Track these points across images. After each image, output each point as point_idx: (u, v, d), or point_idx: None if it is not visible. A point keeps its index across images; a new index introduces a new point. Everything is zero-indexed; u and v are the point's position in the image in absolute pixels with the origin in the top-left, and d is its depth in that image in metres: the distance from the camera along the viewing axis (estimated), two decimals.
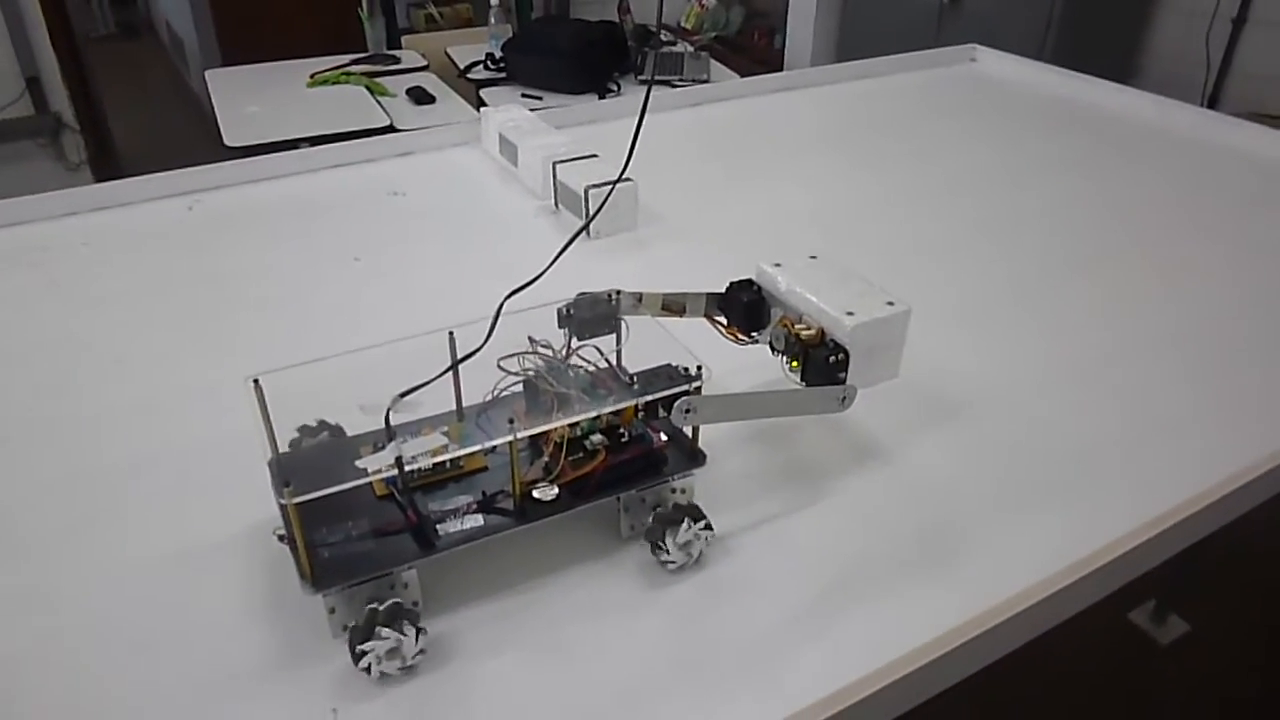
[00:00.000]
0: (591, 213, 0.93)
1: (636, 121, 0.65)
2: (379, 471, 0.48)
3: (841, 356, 0.60)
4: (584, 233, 0.94)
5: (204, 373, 0.75)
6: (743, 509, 0.60)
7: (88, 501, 0.61)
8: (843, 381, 0.60)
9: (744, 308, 0.65)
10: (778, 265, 0.65)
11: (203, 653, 0.51)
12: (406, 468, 0.50)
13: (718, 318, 0.67)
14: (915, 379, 0.74)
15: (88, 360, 0.77)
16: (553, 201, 1.01)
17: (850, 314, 0.59)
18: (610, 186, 0.77)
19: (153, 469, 0.64)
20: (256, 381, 0.51)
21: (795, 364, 0.62)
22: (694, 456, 0.57)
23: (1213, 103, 2.48)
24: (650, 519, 0.55)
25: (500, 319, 0.55)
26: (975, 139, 1.26)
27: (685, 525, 0.54)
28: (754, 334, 0.66)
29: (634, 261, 0.93)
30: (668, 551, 0.54)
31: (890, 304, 0.61)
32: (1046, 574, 0.55)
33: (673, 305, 0.63)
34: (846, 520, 0.60)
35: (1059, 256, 0.95)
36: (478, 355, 0.54)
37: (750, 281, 0.66)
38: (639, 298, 0.61)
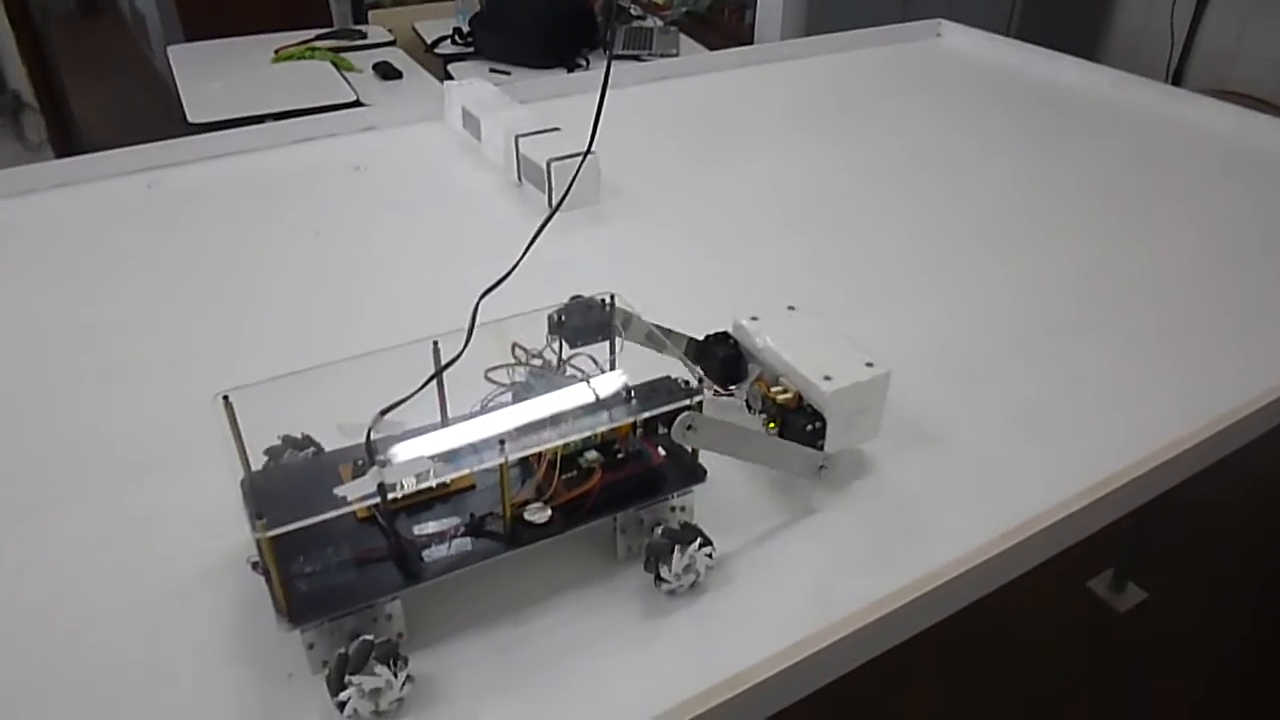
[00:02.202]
0: (554, 188, 0.93)
1: (599, 95, 0.64)
2: (360, 500, 0.46)
3: (819, 424, 0.57)
4: (546, 205, 0.95)
5: (164, 348, 0.74)
6: (745, 526, 0.57)
7: (38, 477, 0.61)
8: (821, 447, 0.58)
9: (720, 362, 0.63)
10: (755, 319, 0.63)
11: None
12: (389, 495, 0.47)
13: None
14: (882, 343, 0.76)
15: (45, 337, 0.76)
16: (515, 175, 1.01)
17: (828, 378, 0.57)
18: (578, 164, 0.76)
19: (111, 444, 0.64)
20: (226, 398, 0.47)
21: (773, 425, 0.60)
22: (694, 473, 0.54)
23: (1177, 78, 2.51)
24: (648, 541, 0.52)
25: (473, 313, 0.52)
26: (939, 113, 1.26)
27: (685, 548, 0.51)
28: (731, 387, 0.64)
29: (595, 236, 0.93)
30: (667, 580, 0.51)
31: (869, 365, 0.59)
32: (999, 532, 0.57)
33: (655, 338, 0.60)
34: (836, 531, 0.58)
35: (1019, 227, 0.96)
36: (459, 361, 0.51)
37: (726, 334, 0.64)
38: (628, 318, 0.58)
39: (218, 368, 0.71)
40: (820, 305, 0.81)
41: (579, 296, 0.57)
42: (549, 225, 0.58)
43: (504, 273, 0.54)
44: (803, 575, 0.55)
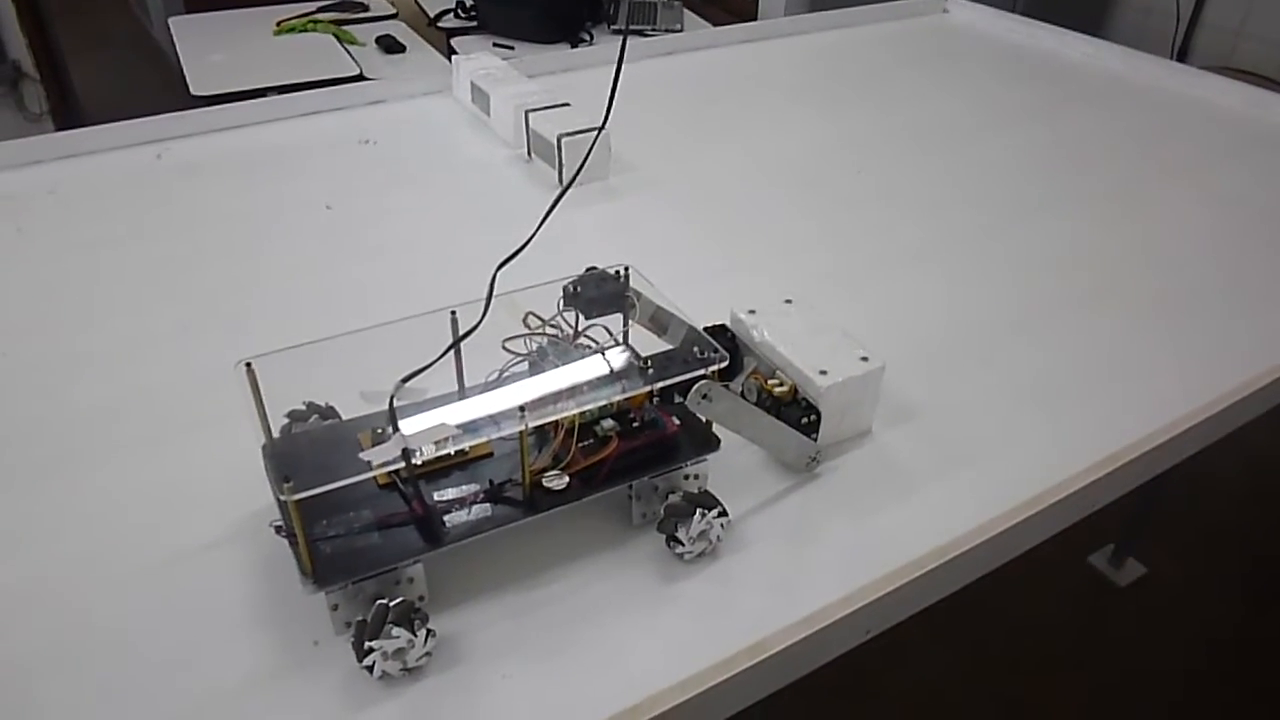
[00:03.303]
0: (565, 162, 0.93)
1: (614, 71, 0.63)
2: (383, 465, 0.46)
3: (814, 417, 0.59)
4: (556, 180, 0.95)
5: (174, 320, 0.75)
6: (758, 492, 0.59)
7: (56, 446, 0.62)
8: (815, 439, 0.59)
9: None
10: (752, 312, 0.64)
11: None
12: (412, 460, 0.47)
13: None
14: (889, 319, 0.76)
15: (55, 309, 0.76)
16: (525, 150, 1.01)
17: (823, 372, 0.58)
18: (594, 137, 0.76)
19: (122, 415, 0.65)
20: (249, 365, 0.48)
21: None
22: (708, 442, 0.55)
23: (1182, 55, 2.49)
24: (663, 508, 0.53)
25: (490, 284, 0.52)
26: (946, 88, 1.26)
27: (699, 515, 0.52)
28: (726, 383, 0.64)
29: (606, 211, 0.93)
30: (682, 543, 0.52)
31: (864, 359, 0.60)
32: (1004, 508, 0.57)
33: (659, 320, 0.59)
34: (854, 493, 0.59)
35: (1025, 203, 0.96)
36: (474, 331, 0.52)
37: (724, 327, 0.65)
38: (638, 295, 0.59)
39: (229, 339, 0.72)
40: (825, 278, 0.82)
41: (594, 268, 0.58)
42: (562, 200, 0.58)
43: (520, 244, 0.55)
44: (813, 545, 0.56)
